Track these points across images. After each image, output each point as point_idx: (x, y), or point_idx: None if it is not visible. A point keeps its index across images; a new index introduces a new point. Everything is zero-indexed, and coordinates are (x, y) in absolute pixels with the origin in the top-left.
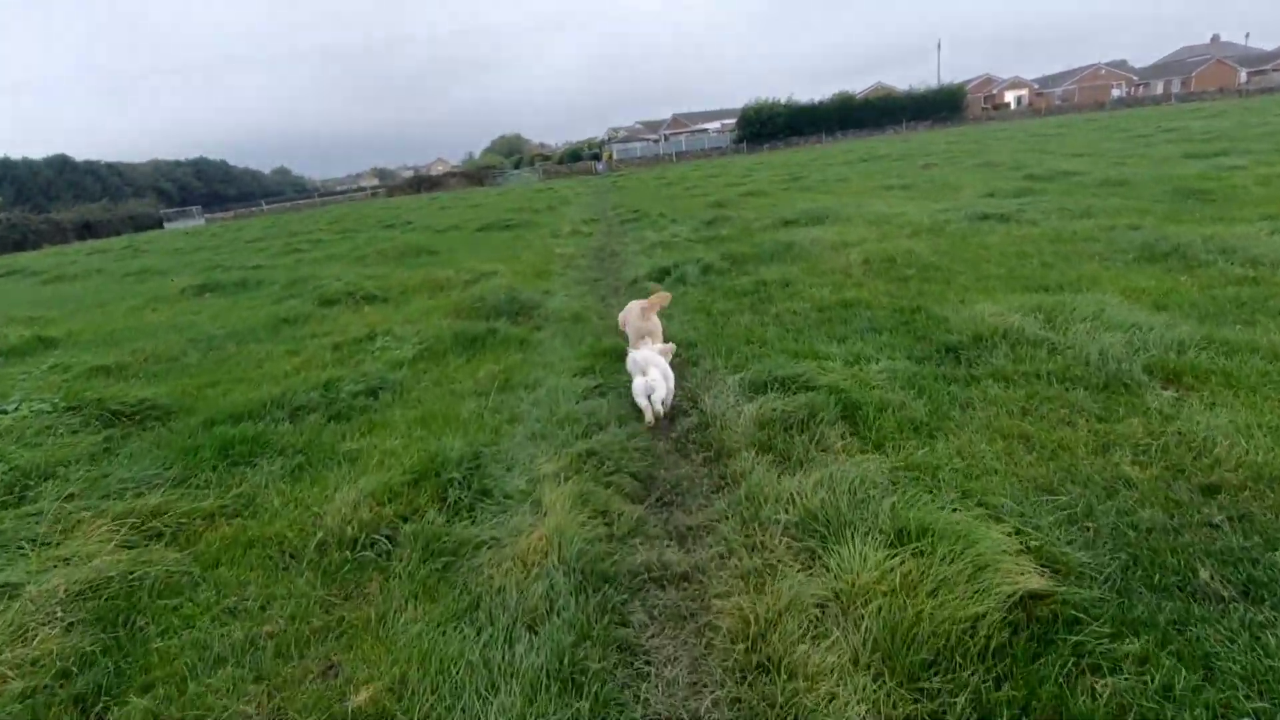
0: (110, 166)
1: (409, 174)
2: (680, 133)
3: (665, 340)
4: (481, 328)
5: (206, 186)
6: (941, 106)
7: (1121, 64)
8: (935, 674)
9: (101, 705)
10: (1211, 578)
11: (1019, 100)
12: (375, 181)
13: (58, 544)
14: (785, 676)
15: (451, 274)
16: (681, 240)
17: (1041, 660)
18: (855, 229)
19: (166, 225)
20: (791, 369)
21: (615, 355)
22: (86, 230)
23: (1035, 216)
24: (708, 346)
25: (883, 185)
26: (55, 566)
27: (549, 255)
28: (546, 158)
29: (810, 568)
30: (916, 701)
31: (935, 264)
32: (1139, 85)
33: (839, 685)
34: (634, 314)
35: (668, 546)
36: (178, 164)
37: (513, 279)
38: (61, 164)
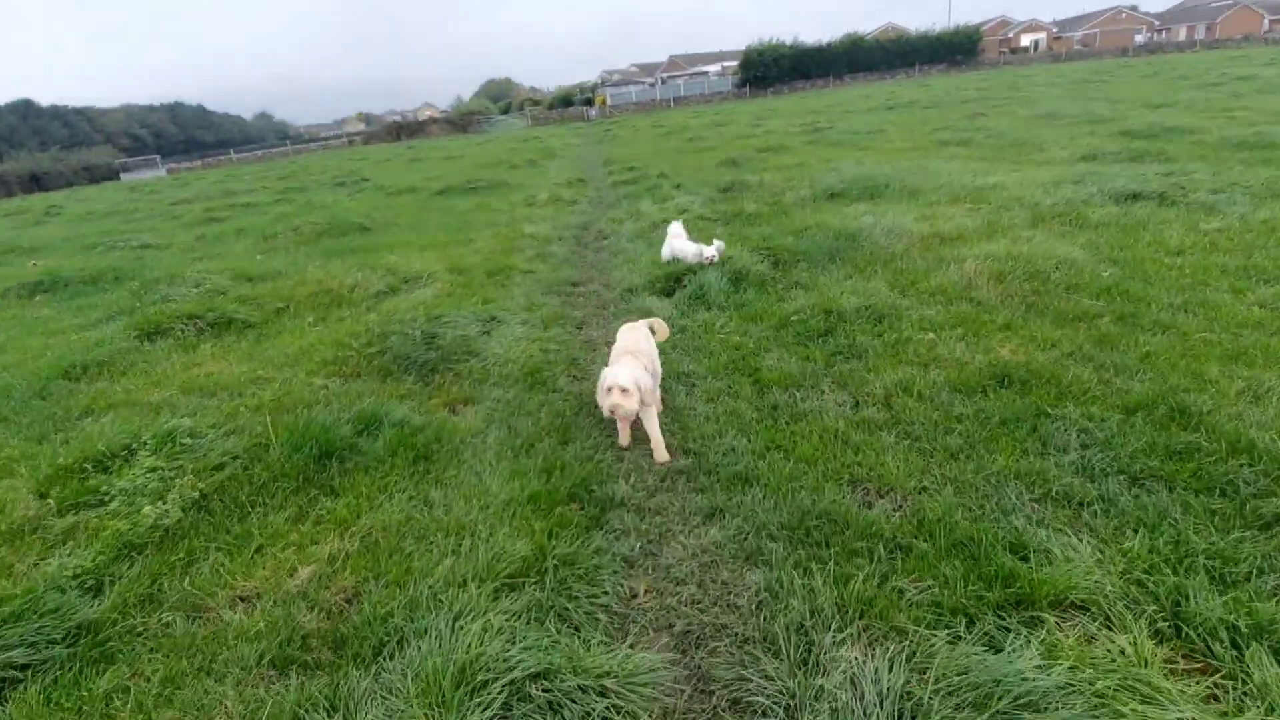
0: (79, 112)
1: (396, 119)
2: (678, 76)
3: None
4: (345, 432)
5: (184, 133)
6: (956, 49)
7: (1133, 8)
8: None
9: None
10: None
11: (1036, 44)
12: (361, 127)
13: None
14: None
15: (364, 276)
16: (693, 219)
17: None
18: (943, 211)
19: (123, 177)
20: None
21: (594, 500)
22: (35, 183)
23: (1205, 197)
24: (782, 498)
25: (934, 141)
26: None
27: (515, 237)
28: (536, 103)
29: None
30: None
31: (1122, 288)
32: (1160, 30)
33: None
34: (624, 374)
35: None
36: (152, 109)
37: (450, 286)
38: (25, 109)
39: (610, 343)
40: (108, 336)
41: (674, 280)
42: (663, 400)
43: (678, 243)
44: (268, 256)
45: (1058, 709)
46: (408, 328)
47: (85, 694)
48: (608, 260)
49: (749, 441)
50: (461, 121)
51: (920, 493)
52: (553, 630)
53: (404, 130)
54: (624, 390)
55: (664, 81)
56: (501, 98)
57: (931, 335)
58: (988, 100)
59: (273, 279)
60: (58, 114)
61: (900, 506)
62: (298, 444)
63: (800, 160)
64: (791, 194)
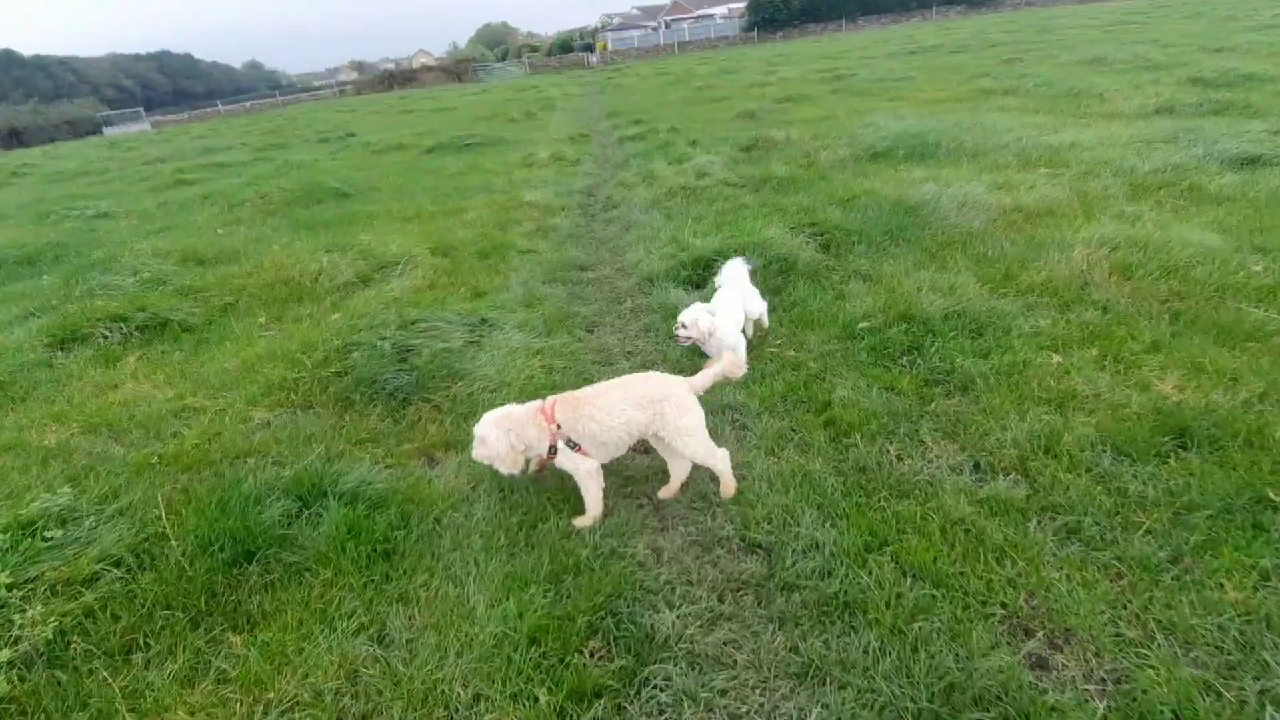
0: (63, 62)
1: (390, 67)
2: (682, 19)
3: None
4: (276, 514)
5: (172, 83)
6: None
7: None
8: None
9: None
10: None
11: None
12: (354, 76)
13: None
14: None
15: (332, 261)
16: (714, 183)
17: None
18: (1018, 178)
19: (106, 131)
20: None
21: (626, 638)
22: (14, 138)
23: None
24: (909, 652)
25: (976, 90)
26: None
27: (512, 206)
28: (535, 49)
29: None
30: None
31: None
32: None
33: None
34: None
35: None
36: (138, 58)
37: (434, 274)
38: (6, 59)
39: (627, 356)
40: (14, 345)
41: (702, 268)
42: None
43: (720, 319)
44: (228, 231)
45: None
46: (377, 336)
47: None
48: (620, 236)
49: (838, 533)
50: (457, 69)
51: (1120, 647)
52: None
53: (396, 79)
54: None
55: (668, 25)
56: (498, 44)
57: (1058, 358)
58: (1019, 44)
59: (226, 262)
60: (41, 64)
61: (1098, 679)
62: (207, 539)
63: (826, 112)
64: (827, 153)
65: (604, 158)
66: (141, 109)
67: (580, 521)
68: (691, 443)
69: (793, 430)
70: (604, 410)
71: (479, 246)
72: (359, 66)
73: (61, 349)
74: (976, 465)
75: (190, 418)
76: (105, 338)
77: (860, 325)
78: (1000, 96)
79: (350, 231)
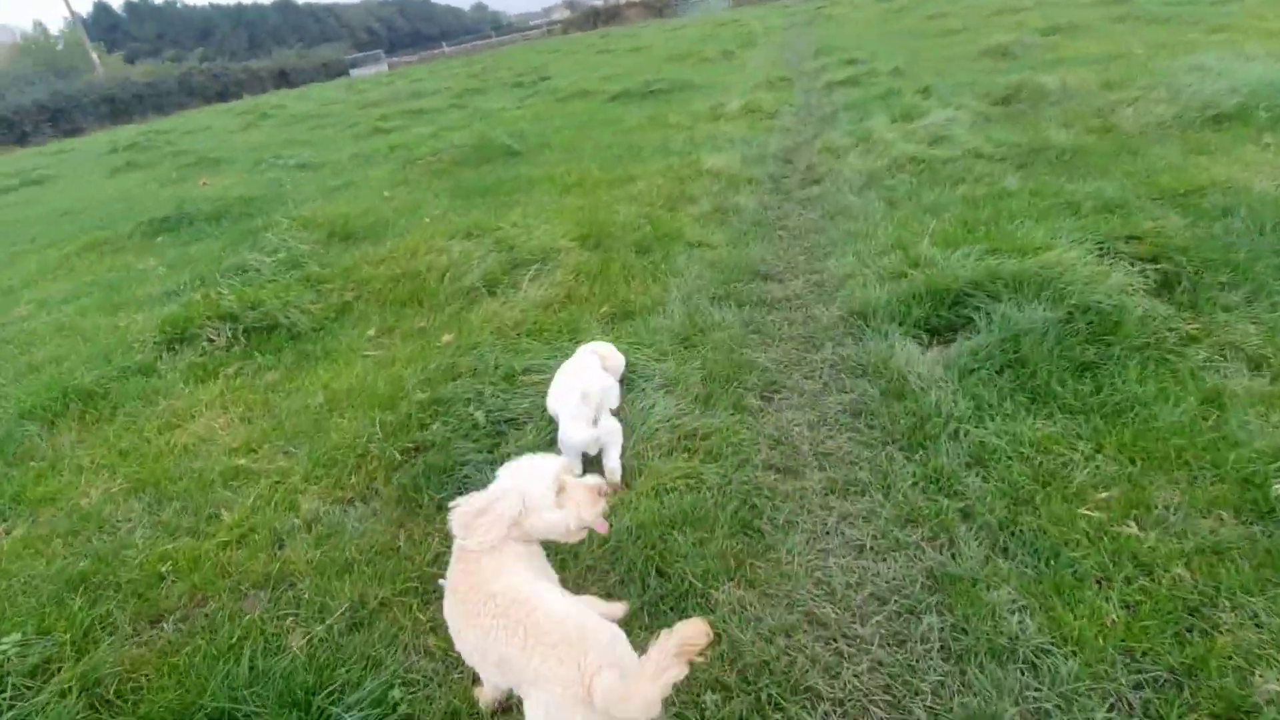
0: (327, 8)
1: (597, 3)
2: None
3: None
4: None
5: (410, 25)
6: None
7: None
8: None
9: None
10: None
11: None
12: (566, 14)
13: None
14: None
15: (467, 250)
16: (959, 154)
17: None
18: None
19: (351, 73)
20: None
21: None
22: (283, 78)
23: None
24: None
25: None
26: None
27: (689, 176)
28: None
29: None
30: None
31: None
32: None
33: None
34: None
35: None
36: (384, 3)
37: (576, 277)
38: (285, 8)
39: (819, 461)
40: (135, 336)
41: (948, 305)
42: None
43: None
44: (394, 194)
45: None
46: (472, 387)
47: None
48: (821, 228)
49: None
50: (657, 3)
51: None
52: None
53: (600, 16)
54: None
55: None
56: None
57: None
58: None
59: (371, 239)
60: (310, 11)
61: None
62: None
63: (1114, 48)
64: (1134, 112)
65: (808, 109)
66: (382, 51)
67: None
68: None
69: None
70: None
71: (639, 234)
72: (570, 4)
73: (169, 349)
74: None
75: (240, 488)
76: (211, 340)
77: (1276, 488)
78: None
79: (507, 203)
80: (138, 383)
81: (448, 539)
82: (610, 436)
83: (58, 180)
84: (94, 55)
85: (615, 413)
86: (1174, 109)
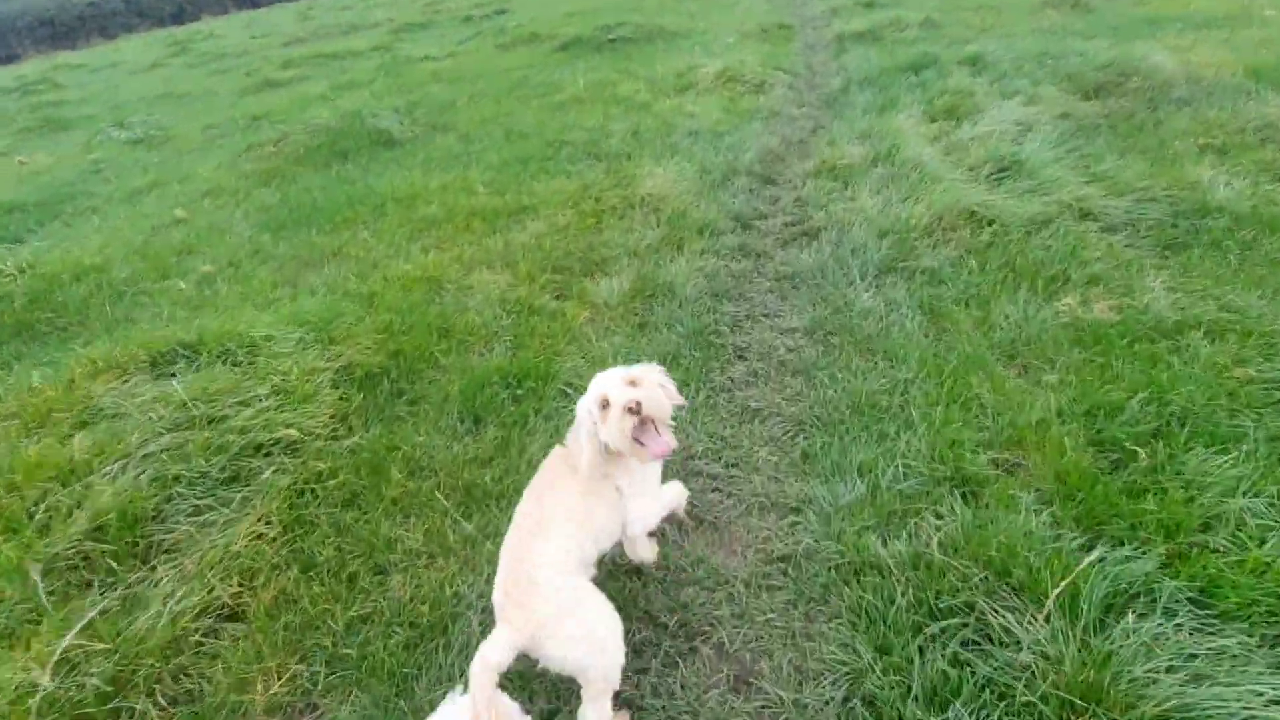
0: None
1: None
2: None
3: None
4: None
5: None
6: None
7: None
8: None
9: None
10: None
11: None
12: None
13: None
14: None
15: (146, 391)
16: (1051, 207)
17: None
18: None
19: None
20: None
21: None
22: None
23: None
24: None
25: None
26: None
27: (616, 204)
28: None
29: None
30: None
31: None
32: None
33: None
34: None
35: None
36: None
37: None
38: None
39: None
40: None
41: None
42: None
43: None
44: (192, 211)
45: None
46: None
47: None
48: (808, 368)
49: None
50: None
51: None
52: None
53: None
54: None
55: None
56: None
57: None
58: None
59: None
60: None
61: None
62: None
63: (1230, 4)
64: None
65: (809, 78)
66: None
67: None
68: None
69: None
70: None
71: (483, 368)
72: None
73: None
74: None
75: None
76: None
77: None
78: None
79: (328, 249)
80: None
81: None
82: None
83: None
84: None
85: None
86: None
